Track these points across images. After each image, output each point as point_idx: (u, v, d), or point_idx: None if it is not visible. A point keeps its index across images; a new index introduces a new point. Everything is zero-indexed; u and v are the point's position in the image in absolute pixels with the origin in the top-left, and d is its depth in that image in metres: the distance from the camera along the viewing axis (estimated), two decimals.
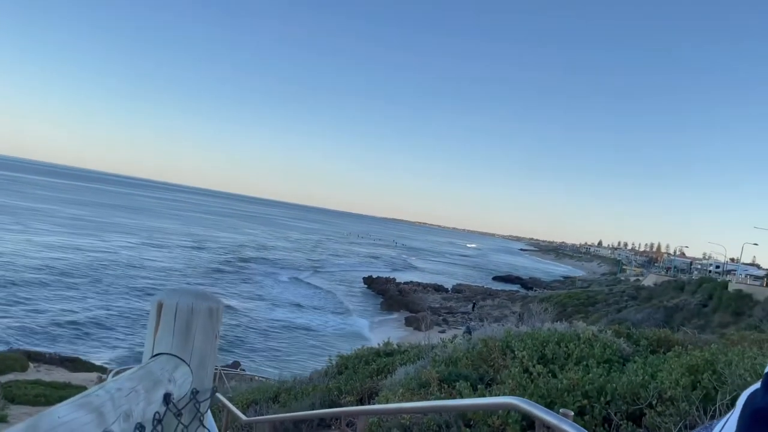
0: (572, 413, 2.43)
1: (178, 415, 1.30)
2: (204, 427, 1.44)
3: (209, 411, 1.48)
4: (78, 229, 74.24)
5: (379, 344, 12.46)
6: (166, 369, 1.29)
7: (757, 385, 0.61)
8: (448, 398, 5.56)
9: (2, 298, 33.16)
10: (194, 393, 1.39)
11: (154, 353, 1.38)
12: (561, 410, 2.45)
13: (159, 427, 1.21)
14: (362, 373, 9.43)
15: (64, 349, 25.95)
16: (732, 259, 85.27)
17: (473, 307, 54.11)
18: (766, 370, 0.59)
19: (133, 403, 1.10)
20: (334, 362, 11.80)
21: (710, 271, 78.29)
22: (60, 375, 20.58)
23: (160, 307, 1.38)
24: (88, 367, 23.13)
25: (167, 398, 1.24)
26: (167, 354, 1.37)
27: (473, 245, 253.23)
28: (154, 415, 1.19)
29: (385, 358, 10.54)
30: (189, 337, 1.39)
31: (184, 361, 1.37)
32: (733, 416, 0.63)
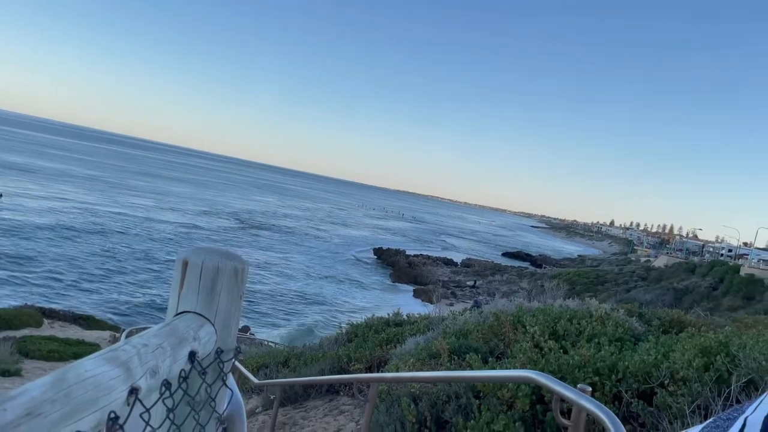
0: (590, 389, 2.41)
1: (203, 373, 1.28)
2: (226, 386, 1.43)
3: (231, 371, 1.46)
4: (92, 191, 74.89)
5: (388, 314, 12.51)
6: (191, 327, 1.27)
7: None
8: (458, 369, 5.58)
9: (16, 256, 33.67)
10: (218, 352, 1.38)
11: (179, 311, 1.35)
12: (579, 385, 2.42)
13: (184, 385, 1.19)
14: (372, 341, 9.49)
15: (77, 308, 26.37)
16: (745, 244, 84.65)
17: (474, 283, 54.24)
18: None
19: (160, 359, 1.08)
20: (344, 330, 11.90)
21: (722, 255, 77.84)
22: (73, 332, 20.94)
23: (185, 265, 1.36)
24: (101, 325, 23.52)
25: (192, 356, 1.22)
26: (192, 312, 1.34)
27: (486, 221, 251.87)
28: (180, 372, 1.17)
29: (394, 328, 10.60)
30: (214, 296, 1.36)
31: (208, 320, 1.35)
32: None
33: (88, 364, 0.90)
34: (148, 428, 1.00)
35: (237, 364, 8.76)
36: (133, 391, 0.95)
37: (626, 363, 4.97)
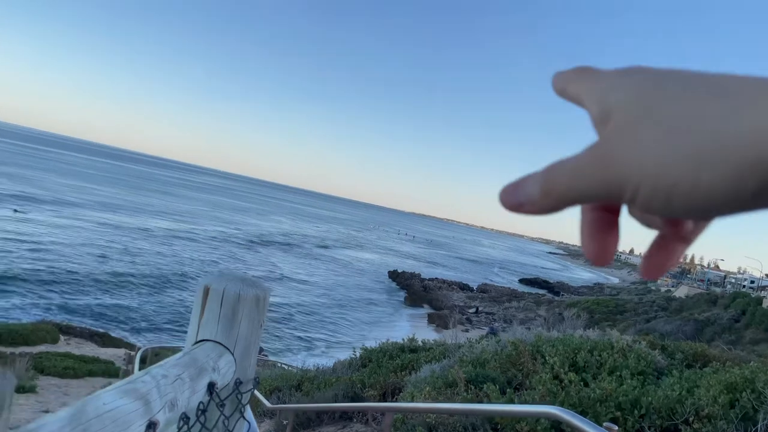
0: (616, 428, 2.32)
1: (221, 405, 1.24)
2: (244, 419, 1.39)
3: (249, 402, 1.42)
4: (112, 209, 75.92)
5: (403, 339, 12.37)
6: (211, 357, 1.24)
7: None
8: (475, 399, 5.46)
9: (34, 270, 34.05)
10: (237, 383, 1.34)
11: (198, 339, 1.32)
12: (605, 424, 2.34)
13: (202, 418, 1.16)
14: (386, 367, 9.36)
15: (93, 324, 26.52)
16: None
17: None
18: None
19: (179, 391, 1.05)
20: (358, 354, 11.77)
21: (744, 286, 76.33)
22: (89, 349, 21.02)
23: (206, 291, 1.33)
24: (117, 342, 23.58)
25: (211, 388, 1.19)
26: (212, 341, 1.31)
27: (503, 245, 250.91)
28: (198, 404, 1.14)
29: (409, 354, 10.46)
30: (234, 324, 1.33)
31: (228, 349, 1.32)
32: None
33: (106, 396, 0.87)
34: None
35: None
36: (151, 425, 0.92)
37: (649, 398, 4.83)
